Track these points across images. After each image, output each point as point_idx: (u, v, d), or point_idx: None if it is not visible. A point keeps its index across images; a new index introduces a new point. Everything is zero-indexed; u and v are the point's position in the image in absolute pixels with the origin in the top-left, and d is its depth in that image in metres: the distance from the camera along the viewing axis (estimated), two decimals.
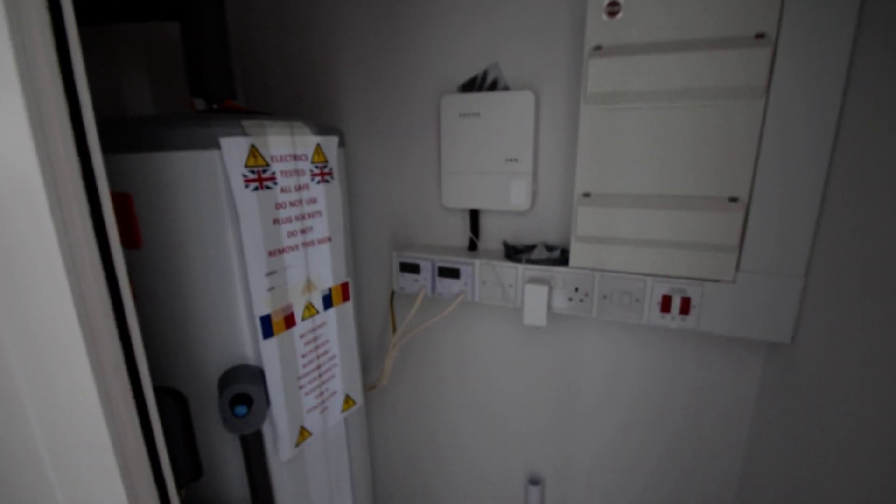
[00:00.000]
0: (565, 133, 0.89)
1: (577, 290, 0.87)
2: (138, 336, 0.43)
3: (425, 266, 0.98)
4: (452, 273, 0.96)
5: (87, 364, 0.38)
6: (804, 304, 0.74)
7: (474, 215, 0.99)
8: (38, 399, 0.40)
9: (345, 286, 0.83)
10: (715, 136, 0.73)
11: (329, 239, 0.78)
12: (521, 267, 0.91)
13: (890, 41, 0.59)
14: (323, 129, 0.76)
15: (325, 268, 0.79)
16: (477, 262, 0.94)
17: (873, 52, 0.62)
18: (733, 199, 0.75)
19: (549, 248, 0.92)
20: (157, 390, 0.49)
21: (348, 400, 0.89)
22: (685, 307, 0.80)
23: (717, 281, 0.78)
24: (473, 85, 0.94)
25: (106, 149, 0.39)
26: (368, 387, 1.12)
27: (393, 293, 1.07)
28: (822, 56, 0.66)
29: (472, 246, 1.00)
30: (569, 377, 1.03)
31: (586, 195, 0.83)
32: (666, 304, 0.81)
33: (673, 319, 0.81)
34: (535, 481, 1.13)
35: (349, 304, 0.85)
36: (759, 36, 0.68)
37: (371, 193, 1.09)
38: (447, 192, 0.97)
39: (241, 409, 0.67)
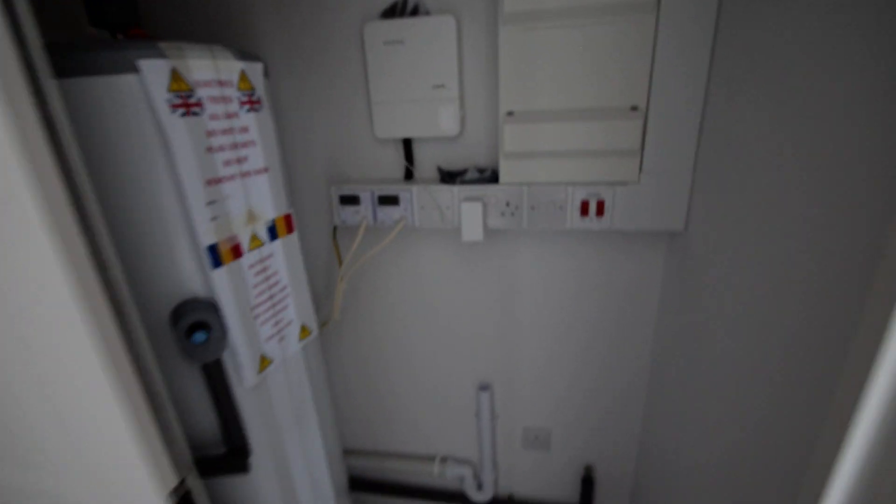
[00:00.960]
0: (487, 56, 0.94)
1: (507, 204, 0.95)
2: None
3: (365, 197, 1.01)
4: (392, 201, 1.00)
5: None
6: (692, 197, 0.88)
7: (407, 144, 1.03)
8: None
9: (288, 218, 0.85)
10: (616, 51, 0.82)
11: (266, 170, 0.79)
12: (455, 189, 0.97)
13: None
14: (245, 56, 0.75)
15: (265, 199, 0.79)
16: (414, 188, 0.99)
17: None
18: (634, 108, 0.84)
19: (481, 171, 0.99)
20: None
21: (304, 329, 0.93)
22: (600, 209, 0.91)
23: (624, 183, 0.89)
24: (395, 11, 0.94)
25: None
26: (321, 323, 1.16)
27: (335, 228, 1.09)
28: None
29: (409, 175, 1.05)
30: (507, 288, 1.13)
31: (510, 114, 0.89)
32: (584, 209, 0.92)
33: (591, 221, 0.92)
34: (484, 387, 1.26)
35: (294, 236, 0.87)
36: None
37: (300, 129, 1.08)
38: (378, 123, 0.99)
39: (200, 336, 0.69)
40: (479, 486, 1.40)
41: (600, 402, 1.22)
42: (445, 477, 1.41)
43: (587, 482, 1.29)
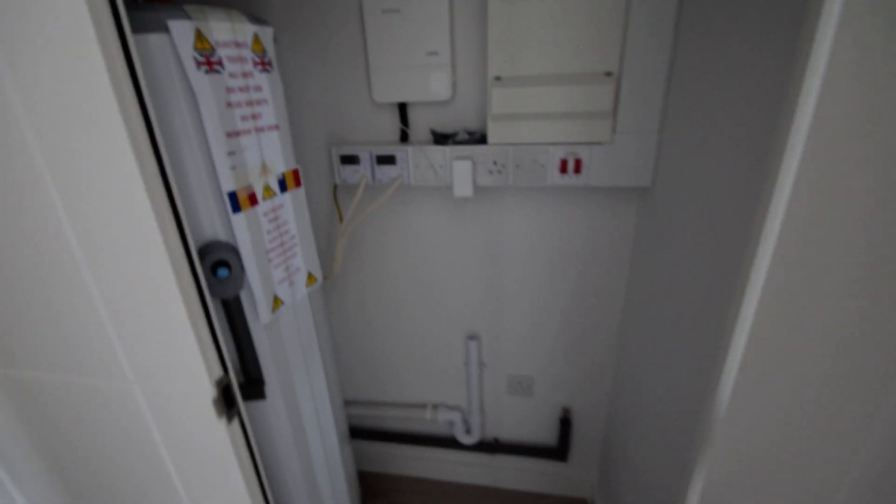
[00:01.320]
0: (476, 25, 1.02)
1: (495, 163, 1.05)
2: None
3: (364, 157, 1.10)
4: (389, 160, 1.09)
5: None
6: (659, 155, 0.98)
7: (403, 108, 1.11)
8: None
9: (296, 172, 0.93)
10: (592, 21, 0.91)
11: (277, 127, 0.87)
12: (448, 149, 1.06)
13: None
14: (258, 20, 0.82)
15: (276, 153, 0.88)
16: (410, 149, 1.07)
17: None
18: (608, 74, 0.94)
19: (470, 133, 1.08)
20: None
21: (311, 277, 1.03)
22: (578, 167, 1.01)
23: (599, 143, 0.99)
24: None
25: None
26: (323, 277, 1.25)
27: (336, 186, 1.18)
28: None
29: (404, 137, 1.13)
30: (495, 243, 1.24)
31: (498, 79, 0.98)
32: (563, 167, 1.02)
33: (570, 178, 1.03)
34: (472, 337, 1.37)
35: (301, 190, 0.96)
36: None
37: (302, 94, 1.16)
38: (377, 88, 1.07)
39: (223, 272, 0.78)
40: (468, 430, 1.53)
41: (578, 349, 1.34)
42: (437, 422, 1.54)
43: (565, 422, 1.43)
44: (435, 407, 1.52)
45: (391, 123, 1.14)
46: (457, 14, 1.02)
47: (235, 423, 0.68)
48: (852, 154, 0.45)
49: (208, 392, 0.62)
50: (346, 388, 1.59)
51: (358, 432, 1.62)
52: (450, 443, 1.57)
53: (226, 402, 0.64)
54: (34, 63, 0.47)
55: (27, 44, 0.46)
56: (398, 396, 1.57)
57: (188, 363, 0.58)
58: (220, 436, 0.65)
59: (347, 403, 1.57)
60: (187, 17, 0.69)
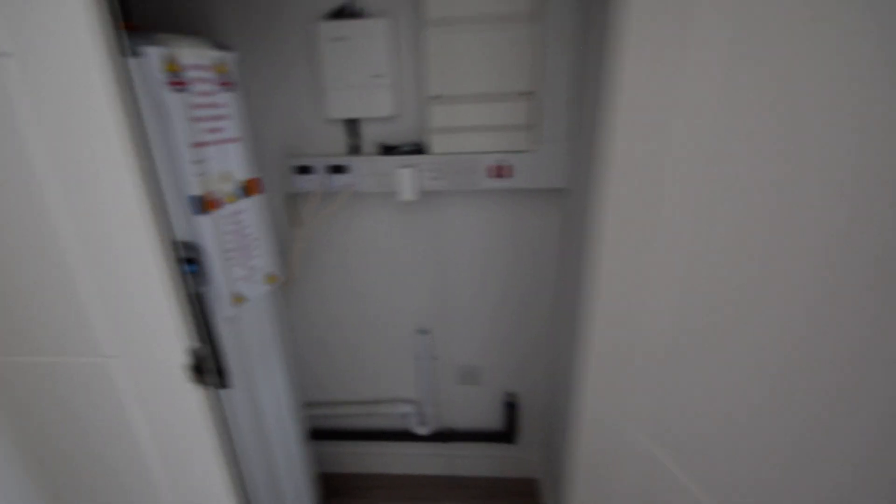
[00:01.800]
0: (417, 50, 1.17)
1: (436, 170, 1.20)
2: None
3: (318, 167, 1.22)
4: (341, 169, 1.21)
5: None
6: (573, 160, 1.16)
7: (353, 124, 1.24)
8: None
9: (256, 181, 1.04)
10: (515, 48, 1.08)
11: (239, 139, 0.97)
12: (393, 158, 1.20)
13: None
14: (222, 46, 0.93)
15: (238, 163, 0.98)
16: (360, 159, 1.20)
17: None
18: (528, 92, 1.12)
19: (414, 144, 1.22)
20: None
21: (270, 277, 1.12)
22: (507, 173, 1.18)
23: (524, 151, 1.17)
24: (343, 13, 1.15)
25: None
26: (281, 282, 1.34)
27: (290, 195, 1.28)
28: None
29: (356, 149, 1.26)
30: (439, 242, 1.38)
31: (436, 97, 1.14)
32: (495, 172, 1.18)
33: (501, 182, 1.19)
34: (423, 332, 1.50)
35: (262, 197, 1.06)
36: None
37: (265, 110, 1.26)
38: (329, 106, 1.20)
39: (192, 267, 0.87)
40: (422, 422, 1.64)
41: (518, 337, 1.50)
42: (393, 416, 1.64)
43: (511, 407, 1.57)
44: (390, 401, 1.62)
45: (343, 139, 1.27)
46: (400, 41, 1.17)
47: (209, 390, 0.77)
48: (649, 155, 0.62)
49: (181, 360, 0.71)
50: (309, 389, 1.66)
51: (318, 433, 1.69)
52: (406, 436, 1.66)
53: (197, 372, 0.73)
54: (45, 83, 0.57)
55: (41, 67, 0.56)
56: (356, 395, 1.65)
57: (163, 334, 0.68)
58: (194, 402, 0.74)
59: (309, 405, 1.64)
60: (160, 43, 0.79)
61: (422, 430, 1.64)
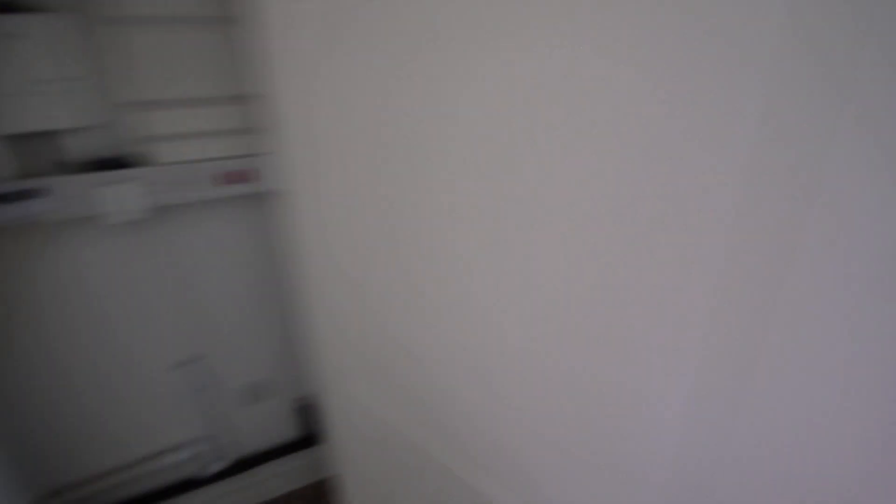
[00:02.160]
0: (120, 52, 1.05)
1: (158, 184, 1.10)
2: None
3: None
4: (31, 195, 1.01)
5: None
6: (299, 164, 1.24)
7: (49, 137, 1.04)
8: None
9: None
10: (230, 50, 1.09)
11: None
12: (104, 175, 1.06)
13: None
14: None
15: None
16: (58, 179, 1.03)
17: None
18: (258, 96, 1.14)
19: (129, 156, 1.11)
20: None
21: None
22: (246, 177, 1.18)
23: (264, 154, 1.18)
24: (9, 5, 0.95)
25: None
26: None
27: None
28: None
29: (55, 167, 1.07)
30: (185, 261, 1.28)
31: (146, 103, 1.06)
32: (231, 178, 1.17)
33: (242, 187, 1.18)
34: (193, 360, 1.37)
35: None
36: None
37: None
38: (6, 118, 0.99)
39: None
40: (219, 457, 1.50)
41: (282, 343, 1.49)
42: (179, 466, 1.45)
43: (304, 409, 1.57)
44: (172, 450, 1.44)
45: (33, 155, 1.06)
46: (93, 40, 1.03)
47: None
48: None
49: None
50: (62, 470, 1.32)
51: None
52: (195, 484, 1.49)
53: None
54: None
55: None
56: (128, 455, 1.40)
57: None
58: None
59: (58, 492, 1.31)
60: None
61: (217, 467, 1.50)
